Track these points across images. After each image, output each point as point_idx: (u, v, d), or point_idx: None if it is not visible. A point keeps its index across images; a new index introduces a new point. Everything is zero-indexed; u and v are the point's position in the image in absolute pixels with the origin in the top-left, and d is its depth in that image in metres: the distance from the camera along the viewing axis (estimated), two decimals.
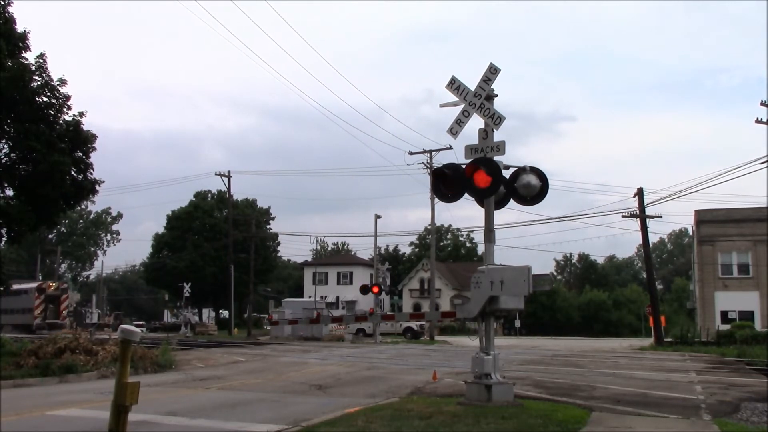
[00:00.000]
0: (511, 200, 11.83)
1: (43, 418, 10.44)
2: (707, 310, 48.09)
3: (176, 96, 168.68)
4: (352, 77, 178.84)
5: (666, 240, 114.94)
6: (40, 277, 74.24)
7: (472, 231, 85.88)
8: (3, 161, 21.37)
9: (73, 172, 21.68)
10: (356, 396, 12.97)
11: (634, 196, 37.64)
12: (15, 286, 60.64)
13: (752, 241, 47.39)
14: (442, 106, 12.25)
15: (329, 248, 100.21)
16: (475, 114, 11.73)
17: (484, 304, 10.73)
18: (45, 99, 21.17)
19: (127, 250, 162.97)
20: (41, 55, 21.10)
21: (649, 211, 37.11)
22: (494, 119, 11.52)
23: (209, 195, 75.12)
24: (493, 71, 11.63)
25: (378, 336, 40.65)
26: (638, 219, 37.19)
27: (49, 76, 21.16)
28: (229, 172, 56.03)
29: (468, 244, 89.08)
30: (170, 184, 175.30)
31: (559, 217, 62.00)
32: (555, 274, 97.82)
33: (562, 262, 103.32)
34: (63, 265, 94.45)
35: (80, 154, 21.89)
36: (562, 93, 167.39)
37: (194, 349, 29.80)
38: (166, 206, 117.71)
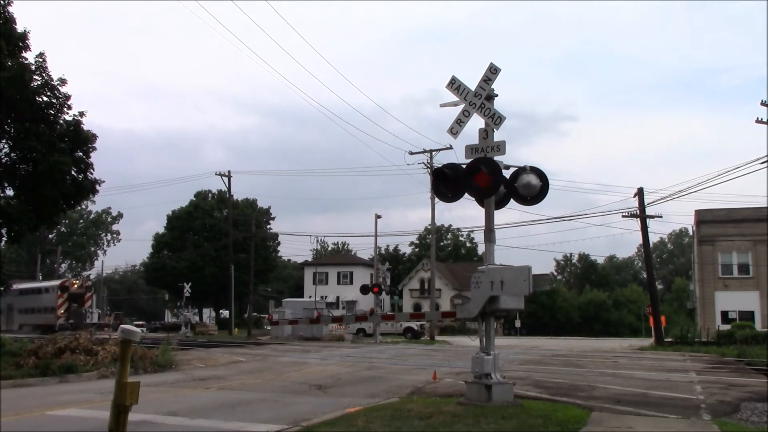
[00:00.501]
0: (512, 200, 11.83)
1: (43, 418, 10.44)
2: (707, 310, 48.05)
3: (177, 96, 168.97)
4: (353, 77, 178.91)
5: (666, 240, 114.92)
6: (40, 277, 74.13)
7: (472, 231, 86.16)
8: (3, 161, 21.38)
9: (73, 172, 21.72)
10: (356, 396, 12.97)
11: (635, 196, 37.65)
12: (34, 284, 59.86)
13: (752, 241, 47.34)
14: (442, 106, 12.25)
15: (329, 248, 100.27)
16: (475, 114, 11.72)
17: (484, 304, 10.73)
18: (45, 99, 21.20)
19: (128, 250, 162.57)
20: (41, 55, 21.17)
21: (649, 211, 37.13)
22: (494, 119, 11.51)
23: (209, 195, 75.13)
24: (493, 71, 11.63)
25: (378, 336, 40.68)
26: (638, 219, 37.19)
27: (49, 75, 21.21)
28: (229, 172, 56.08)
29: (468, 244, 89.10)
30: (171, 184, 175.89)
31: (560, 217, 61.94)
32: (555, 274, 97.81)
33: (562, 262, 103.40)
34: (63, 265, 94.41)
35: (80, 153, 21.94)
36: (564, 93, 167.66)
37: (194, 349, 29.79)
38: (167, 206, 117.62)
